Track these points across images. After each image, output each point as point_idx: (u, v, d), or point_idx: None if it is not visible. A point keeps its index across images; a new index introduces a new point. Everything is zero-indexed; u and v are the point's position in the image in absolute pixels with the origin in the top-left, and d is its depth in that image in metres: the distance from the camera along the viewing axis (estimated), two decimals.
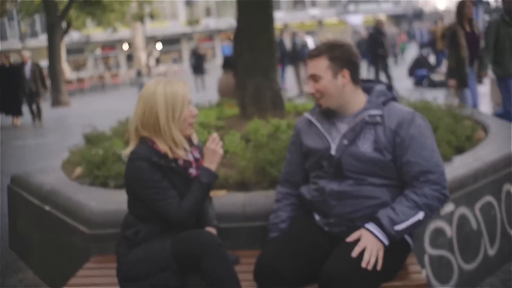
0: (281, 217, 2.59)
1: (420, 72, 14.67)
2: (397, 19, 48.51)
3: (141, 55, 29.74)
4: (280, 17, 38.35)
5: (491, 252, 3.36)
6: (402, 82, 14.50)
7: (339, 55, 2.36)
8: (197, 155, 2.44)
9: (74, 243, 3.10)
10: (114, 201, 3.07)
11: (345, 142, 2.36)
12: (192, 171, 2.38)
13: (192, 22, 42.56)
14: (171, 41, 47.07)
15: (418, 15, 53.52)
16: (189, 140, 2.41)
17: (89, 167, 3.63)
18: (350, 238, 2.26)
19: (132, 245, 2.31)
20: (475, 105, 6.61)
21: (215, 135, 2.40)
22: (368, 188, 2.34)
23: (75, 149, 4.43)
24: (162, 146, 2.28)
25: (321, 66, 2.36)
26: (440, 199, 2.29)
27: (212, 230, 2.48)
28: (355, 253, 2.18)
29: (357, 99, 2.43)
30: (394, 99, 2.45)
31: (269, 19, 4.65)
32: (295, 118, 4.56)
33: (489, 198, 3.34)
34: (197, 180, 2.33)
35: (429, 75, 14.33)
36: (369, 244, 2.20)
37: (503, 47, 6.32)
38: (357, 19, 31.37)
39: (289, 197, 2.64)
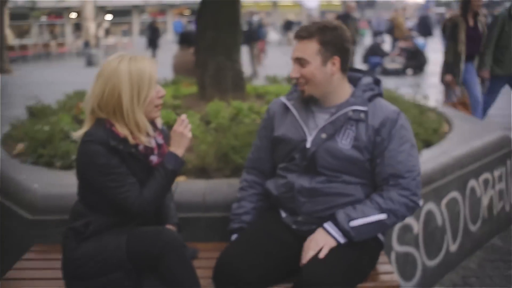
0: (245, 207, 2.39)
1: (373, 59, 14.75)
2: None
3: (90, 25, 28.60)
4: None
5: (453, 248, 3.30)
6: None
7: (331, 39, 2.13)
8: (160, 140, 2.19)
9: (14, 229, 2.79)
10: (60, 183, 2.78)
11: (323, 136, 2.16)
12: (154, 158, 2.13)
13: None
14: (121, 13, 45.57)
15: (371, 3, 54.06)
16: (152, 123, 2.16)
17: (33, 144, 3.31)
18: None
19: (81, 238, 2.05)
20: (478, 103, 5.92)
21: (184, 116, 2.17)
22: (341, 185, 2.16)
23: (17, 122, 4.07)
24: (122, 130, 2.02)
25: (310, 49, 2.13)
26: (408, 205, 2.12)
27: (172, 228, 2.25)
28: (304, 259, 2.06)
29: (343, 90, 2.22)
30: (380, 94, 2.27)
31: None
32: (257, 101, 4.35)
33: (455, 193, 3.26)
34: (161, 165, 2.09)
35: (382, 63, 14.46)
36: (318, 241, 2.08)
37: (506, 45, 5.85)
38: (313, 3, 31.31)
39: (256, 186, 2.43)
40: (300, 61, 2.16)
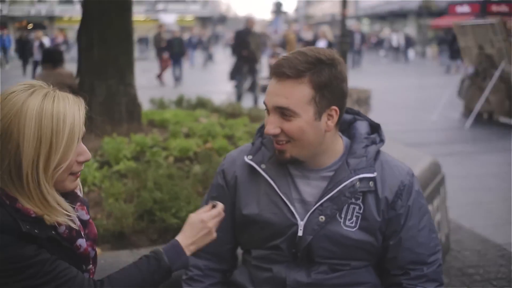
0: None
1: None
2: (203, 21, 49.07)
3: None
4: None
5: None
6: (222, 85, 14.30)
7: (328, 80, 1.46)
8: (85, 216, 1.44)
9: None
10: None
11: (322, 219, 1.52)
12: (82, 242, 1.37)
13: None
14: None
15: (222, 19, 55.17)
16: (67, 193, 1.40)
17: None
18: None
19: None
20: None
21: (221, 207, 1.51)
22: (351, 272, 1.58)
23: None
24: (31, 205, 1.26)
25: (299, 96, 1.45)
26: None
27: None
28: None
29: (335, 147, 1.59)
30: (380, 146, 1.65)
31: (127, 6, 3.65)
32: (158, 132, 3.65)
33: None
34: (156, 256, 1.38)
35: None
36: None
37: None
38: (170, 18, 30.62)
39: (213, 274, 1.72)
40: (282, 111, 1.47)
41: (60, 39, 20.85)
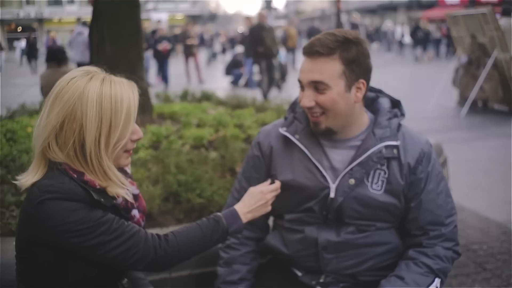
0: (240, 272, 1.85)
1: (237, 71, 14.62)
2: (194, 19, 49.17)
3: None
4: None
5: None
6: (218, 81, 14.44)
7: (356, 56, 1.63)
8: (135, 190, 1.59)
9: None
10: None
11: (352, 182, 1.69)
12: (135, 213, 1.54)
13: None
14: None
15: (213, 17, 55.31)
16: (120, 169, 1.54)
17: None
18: None
19: None
20: None
21: (279, 183, 1.74)
22: (375, 233, 1.73)
23: None
24: (96, 178, 1.40)
25: (331, 70, 1.61)
26: (454, 259, 1.75)
27: None
28: None
29: (362, 119, 1.75)
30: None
31: (136, 3, 3.76)
32: (170, 124, 3.77)
33: None
34: (215, 218, 1.56)
35: (244, 75, 14.35)
36: None
37: None
38: (163, 16, 30.70)
39: (248, 243, 1.89)
40: (316, 86, 1.64)
41: (59, 41, 20.94)
